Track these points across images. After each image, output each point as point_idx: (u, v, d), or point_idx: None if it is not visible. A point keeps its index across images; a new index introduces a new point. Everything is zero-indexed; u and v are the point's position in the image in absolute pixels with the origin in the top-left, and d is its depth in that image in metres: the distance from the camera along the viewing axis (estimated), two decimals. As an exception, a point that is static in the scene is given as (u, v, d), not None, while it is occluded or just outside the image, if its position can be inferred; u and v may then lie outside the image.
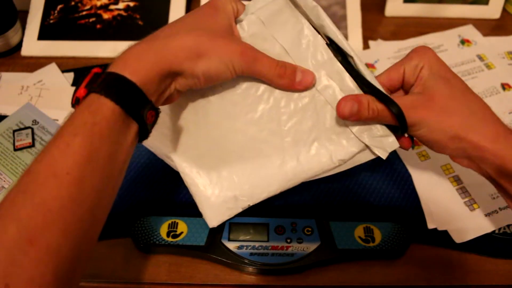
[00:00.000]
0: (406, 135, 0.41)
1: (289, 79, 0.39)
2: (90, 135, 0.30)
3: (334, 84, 0.40)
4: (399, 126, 0.38)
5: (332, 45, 0.41)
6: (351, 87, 0.40)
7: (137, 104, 0.33)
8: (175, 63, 0.35)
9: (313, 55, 0.40)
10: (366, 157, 0.42)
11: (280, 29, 0.40)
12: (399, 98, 0.38)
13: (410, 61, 0.40)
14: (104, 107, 0.32)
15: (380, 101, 0.38)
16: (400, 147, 0.41)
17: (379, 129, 0.40)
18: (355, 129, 0.41)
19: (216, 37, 0.36)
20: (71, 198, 0.29)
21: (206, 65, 0.36)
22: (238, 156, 0.43)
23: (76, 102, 0.33)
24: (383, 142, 0.40)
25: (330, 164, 0.42)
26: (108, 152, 0.31)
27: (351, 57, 0.40)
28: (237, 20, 0.40)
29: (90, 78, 0.33)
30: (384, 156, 0.40)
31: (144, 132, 0.35)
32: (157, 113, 0.35)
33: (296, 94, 0.41)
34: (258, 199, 0.43)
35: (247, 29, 0.40)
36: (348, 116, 0.38)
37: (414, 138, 0.41)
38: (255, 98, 0.41)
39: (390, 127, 0.40)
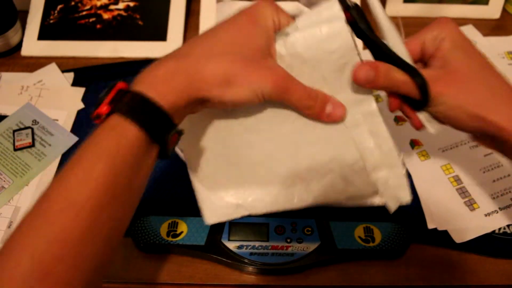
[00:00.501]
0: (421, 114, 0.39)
1: (318, 110, 0.37)
2: (112, 163, 0.29)
3: (365, 125, 0.39)
4: (419, 99, 0.36)
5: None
6: (381, 131, 0.39)
7: (163, 129, 0.31)
8: (205, 90, 0.33)
9: (353, 88, 0.38)
10: (374, 202, 0.41)
11: (325, 57, 0.36)
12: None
13: (431, 32, 0.38)
14: (129, 132, 0.30)
15: (404, 71, 0.36)
16: (413, 126, 0.40)
17: (397, 179, 0.39)
18: (374, 175, 0.39)
19: (250, 62, 0.34)
20: (89, 228, 0.28)
21: (235, 93, 0.34)
22: (250, 169, 0.42)
23: (97, 117, 0.31)
24: (397, 194, 0.39)
25: (337, 199, 0.41)
26: (128, 179, 0.30)
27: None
28: (279, 33, 0.37)
29: (115, 94, 0.32)
30: (391, 209, 0.40)
31: (164, 153, 0.33)
32: (180, 134, 0.34)
33: (324, 123, 0.39)
34: (258, 212, 0.42)
35: (288, 48, 0.36)
36: (363, 82, 0.36)
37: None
38: (281, 116, 0.39)
39: (409, 101, 0.38)
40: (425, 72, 0.36)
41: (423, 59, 0.39)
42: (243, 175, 0.42)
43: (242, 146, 0.41)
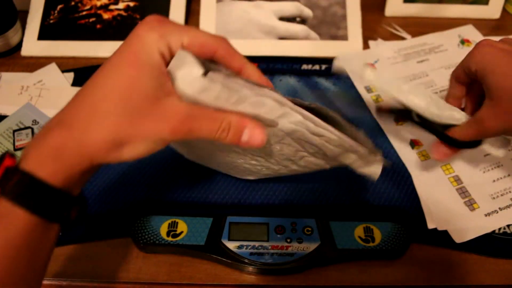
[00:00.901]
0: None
1: (233, 140, 0.34)
2: (3, 257, 0.27)
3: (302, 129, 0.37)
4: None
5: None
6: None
7: (59, 208, 0.29)
8: (99, 157, 0.30)
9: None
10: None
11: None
12: (475, 116, 0.42)
13: (470, 60, 0.41)
14: (21, 221, 0.28)
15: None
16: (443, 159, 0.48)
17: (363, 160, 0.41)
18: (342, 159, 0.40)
19: (138, 115, 0.30)
20: None
21: (132, 151, 0.31)
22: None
23: None
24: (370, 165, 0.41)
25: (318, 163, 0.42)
26: (26, 263, 0.28)
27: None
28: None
29: (1, 176, 0.28)
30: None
31: (68, 226, 0.31)
32: (84, 204, 0.32)
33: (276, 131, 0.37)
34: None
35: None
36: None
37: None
38: None
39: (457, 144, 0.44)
40: (479, 114, 0.41)
41: (472, 79, 0.43)
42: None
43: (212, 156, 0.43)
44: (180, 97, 0.32)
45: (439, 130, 0.44)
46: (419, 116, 0.44)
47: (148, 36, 0.31)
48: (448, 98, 0.46)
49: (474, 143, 0.44)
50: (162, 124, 0.31)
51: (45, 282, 0.44)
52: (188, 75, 0.31)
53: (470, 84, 0.44)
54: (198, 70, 0.31)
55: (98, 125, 0.30)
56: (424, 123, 0.45)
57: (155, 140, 0.31)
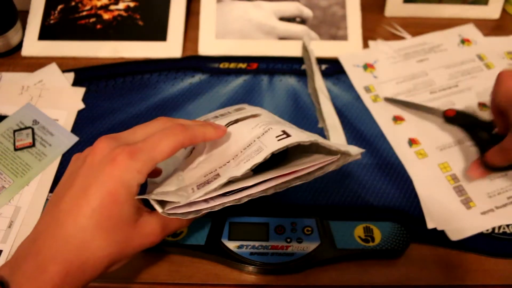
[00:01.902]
0: None
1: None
2: None
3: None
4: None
5: None
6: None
7: None
8: (92, 277, 0.34)
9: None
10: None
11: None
12: (501, 144, 0.45)
13: (496, 93, 0.45)
14: None
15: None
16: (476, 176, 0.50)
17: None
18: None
19: (126, 246, 0.35)
20: None
21: (118, 266, 0.36)
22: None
23: None
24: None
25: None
26: None
27: None
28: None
29: None
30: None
31: None
32: None
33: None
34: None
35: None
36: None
37: None
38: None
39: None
40: (506, 141, 0.44)
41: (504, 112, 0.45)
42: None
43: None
44: (149, 212, 0.37)
45: (486, 148, 0.47)
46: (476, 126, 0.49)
47: (127, 176, 0.33)
48: (497, 128, 0.48)
49: (507, 167, 0.46)
50: (144, 241, 0.36)
51: (45, 282, 0.45)
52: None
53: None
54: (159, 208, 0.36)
55: (92, 259, 0.33)
56: (477, 135, 0.49)
57: (141, 249, 0.36)
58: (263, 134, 0.38)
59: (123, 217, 0.33)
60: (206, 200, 0.36)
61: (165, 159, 0.35)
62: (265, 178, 0.36)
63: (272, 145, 0.36)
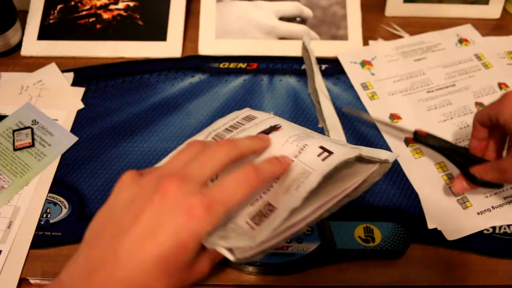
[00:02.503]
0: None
1: None
2: None
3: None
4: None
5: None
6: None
7: None
8: None
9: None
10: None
11: None
12: (498, 163, 0.44)
13: (499, 112, 0.43)
14: None
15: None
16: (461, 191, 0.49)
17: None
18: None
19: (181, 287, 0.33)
20: None
21: None
22: None
23: None
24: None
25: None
26: None
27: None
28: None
29: None
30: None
31: None
32: None
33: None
34: None
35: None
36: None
37: None
38: None
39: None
40: (502, 162, 0.44)
41: (494, 125, 0.45)
42: None
43: None
44: (200, 249, 0.34)
45: (464, 166, 0.46)
46: (448, 148, 0.48)
47: (200, 229, 0.31)
48: (472, 140, 0.47)
49: (494, 184, 0.45)
50: (196, 278, 0.34)
51: (45, 282, 0.45)
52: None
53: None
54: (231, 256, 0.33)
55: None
56: (450, 156, 0.48)
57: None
58: (300, 152, 0.37)
59: (186, 263, 0.32)
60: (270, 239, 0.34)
61: None
62: (321, 203, 0.35)
63: (319, 167, 0.35)
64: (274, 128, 0.41)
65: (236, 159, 0.34)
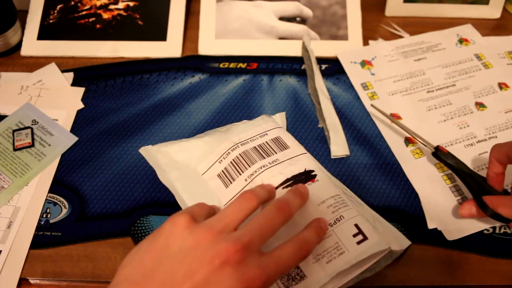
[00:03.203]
0: None
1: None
2: None
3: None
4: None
5: None
6: None
7: None
8: None
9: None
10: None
11: None
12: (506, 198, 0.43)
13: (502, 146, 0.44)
14: None
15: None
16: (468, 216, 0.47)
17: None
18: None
19: None
20: None
21: None
22: None
23: None
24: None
25: None
26: None
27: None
28: None
29: None
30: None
31: None
32: None
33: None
34: None
35: None
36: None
37: None
38: None
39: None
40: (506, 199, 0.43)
41: None
42: None
43: None
44: None
45: (478, 192, 0.45)
46: (466, 173, 0.47)
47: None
48: (489, 174, 0.46)
49: (504, 218, 0.44)
50: None
51: (45, 282, 0.45)
52: None
53: None
54: None
55: None
56: (467, 180, 0.47)
57: None
58: (335, 222, 0.38)
59: None
60: None
61: None
62: (347, 280, 0.37)
63: (353, 250, 0.37)
64: (309, 177, 0.42)
65: (286, 220, 0.35)
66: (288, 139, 0.47)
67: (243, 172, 0.43)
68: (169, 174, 0.47)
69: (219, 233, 0.32)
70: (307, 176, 0.42)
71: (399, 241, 0.41)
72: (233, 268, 0.31)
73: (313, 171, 0.43)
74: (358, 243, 0.37)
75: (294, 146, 0.46)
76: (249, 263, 0.31)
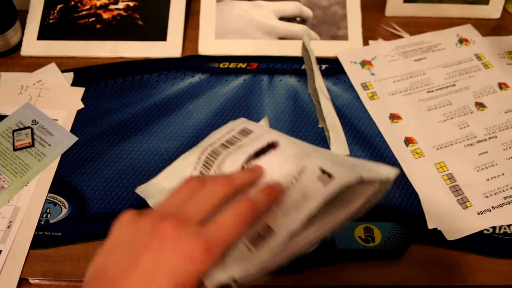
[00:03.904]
0: None
1: None
2: None
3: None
4: None
5: None
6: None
7: None
8: None
9: None
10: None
11: None
12: None
13: None
14: None
15: None
16: None
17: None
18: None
19: None
20: None
21: None
22: None
23: None
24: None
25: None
26: None
27: None
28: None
29: None
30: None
31: None
32: None
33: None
34: None
35: None
36: None
37: None
38: None
39: None
40: None
41: None
42: None
43: None
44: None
45: None
46: None
47: (202, 270, 0.31)
48: None
49: None
50: None
51: (45, 282, 0.45)
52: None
53: None
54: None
55: None
56: None
57: None
58: (299, 174, 0.37)
59: None
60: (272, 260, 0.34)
61: None
62: (323, 226, 0.35)
63: (319, 192, 0.34)
64: (272, 146, 0.41)
65: (232, 195, 0.34)
66: (254, 126, 0.45)
67: (211, 167, 0.43)
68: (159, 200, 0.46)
69: (158, 217, 0.33)
70: (269, 146, 0.41)
71: (382, 171, 0.38)
72: (172, 243, 0.31)
73: (275, 141, 0.41)
74: (325, 184, 0.35)
75: (259, 129, 0.45)
76: (187, 235, 0.31)
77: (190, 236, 0.31)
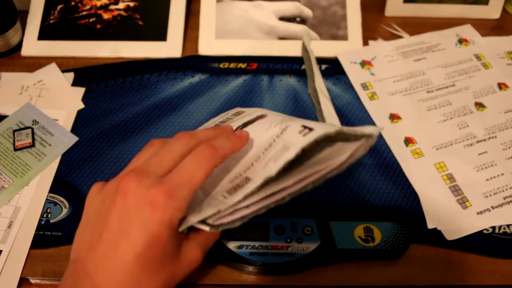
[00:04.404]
0: None
1: None
2: None
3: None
4: None
5: None
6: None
7: None
8: None
9: None
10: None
11: None
12: None
13: None
14: None
15: None
16: None
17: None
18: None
19: (173, 281, 0.34)
20: None
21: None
22: None
23: None
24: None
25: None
26: None
27: None
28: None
29: None
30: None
31: None
32: None
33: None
34: None
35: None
36: None
37: None
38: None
39: None
40: None
41: None
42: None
43: None
44: (186, 237, 0.36)
45: None
46: None
47: (169, 216, 0.32)
48: None
49: None
50: (188, 269, 0.35)
51: (45, 282, 0.45)
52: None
53: None
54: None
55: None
56: None
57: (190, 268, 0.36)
58: (282, 132, 0.37)
59: (167, 255, 0.33)
60: (247, 206, 0.35)
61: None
62: (303, 176, 0.35)
63: (298, 141, 0.34)
64: (259, 117, 0.41)
65: (218, 163, 0.35)
66: (247, 109, 0.46)
67: None
68: None
69: (121, 176, 0.34)
70: (257, 118, 0.41)
71: (366, 129, 0.37)
72: (134, 195, 0.32)
73: (264, 114, 0.42)
74: (304, 135, 0.35)
75: (251, 109, 0.45)
76: (149, 185, 0.32)
77: (151, 185, 0.32)
